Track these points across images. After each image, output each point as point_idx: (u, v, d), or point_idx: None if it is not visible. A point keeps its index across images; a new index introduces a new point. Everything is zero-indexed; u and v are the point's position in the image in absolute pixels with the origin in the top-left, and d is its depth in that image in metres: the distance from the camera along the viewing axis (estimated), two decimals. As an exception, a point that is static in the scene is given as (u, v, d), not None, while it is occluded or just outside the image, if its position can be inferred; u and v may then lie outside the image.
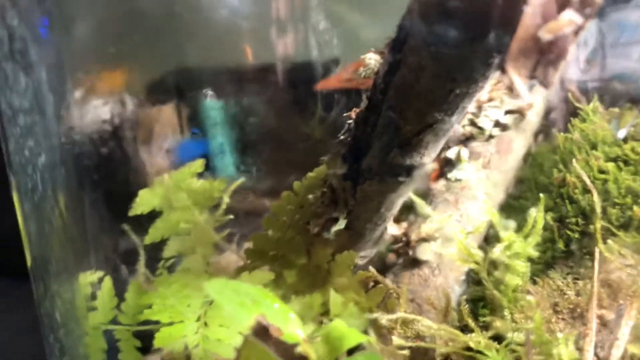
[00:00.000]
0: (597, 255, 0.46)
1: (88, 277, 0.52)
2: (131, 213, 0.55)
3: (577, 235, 0.52)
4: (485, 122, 0.61)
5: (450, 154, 0.60)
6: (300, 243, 0.51)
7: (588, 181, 0.49)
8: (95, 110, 0.47)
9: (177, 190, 0.53)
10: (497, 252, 0.46)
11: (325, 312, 0.51)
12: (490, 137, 0.61)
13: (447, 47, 0.34)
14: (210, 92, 0.53)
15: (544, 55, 0.31)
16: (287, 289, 0.51)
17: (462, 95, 0.38)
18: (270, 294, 0.36)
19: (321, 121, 0.60)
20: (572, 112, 0.63)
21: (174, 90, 0.54)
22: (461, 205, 0.59)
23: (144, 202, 0.55)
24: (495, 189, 0.61)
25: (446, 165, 0.61)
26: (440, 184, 0.61)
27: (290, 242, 0.51)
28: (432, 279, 0.55)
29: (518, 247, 0.46)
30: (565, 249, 0.52)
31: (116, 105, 0.50)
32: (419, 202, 0.52)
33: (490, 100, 0.61)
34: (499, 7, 0.31)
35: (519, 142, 0.63)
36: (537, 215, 0.47)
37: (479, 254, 0.47)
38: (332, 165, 0.47)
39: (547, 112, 0.66)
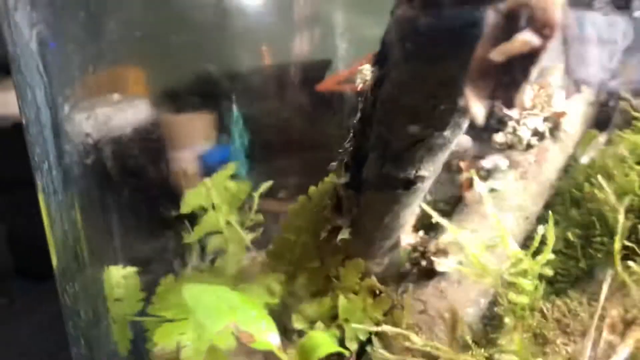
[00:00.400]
0: (608, 277, 0.44)
1: (118, 271, 0.55)
2: (181, 211, 0.59)
3: (600, 255, 0.49)
4: (523, 130, 0.59)
5: (487, 163, 0.59)
6: (311, 247, 0.52)
7: (612, 197, 0.47)
8: (124, 114, 0.50)
9: (214, 191, 0.56)
10: (503, 269, 0.45)
11: (335, 316, 0.52)
12: (529, 146, 0.59)
13: (423, 64, 0.34)
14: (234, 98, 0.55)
15: (504, 76, 0.30)
16: (300, 291, 0.52)
17: (450, 111, 0.38)
18: (251, 300, 0.38)
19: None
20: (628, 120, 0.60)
21: (201, 97, 0.56)
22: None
23: (189, 202, 0.59)
24: (532, 200, 0.59)
25: (482, 175, 0.60)
26: (473, 194, 0.59)
27: (303, 246, 0.52)
28: (449, 291, 0.54)
29: (525, 265, 0.44)
30: (588, 269, 0.50)
31: (145, 110, 0.52)
32: (432, 213, 0.52)
33: (530, 108, 0.59)
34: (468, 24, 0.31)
35: (557, 152, 0.60)
36: (546, 232, 0.45)
37: (493, 269, 0.46)
38: (338, 173, 0.47)
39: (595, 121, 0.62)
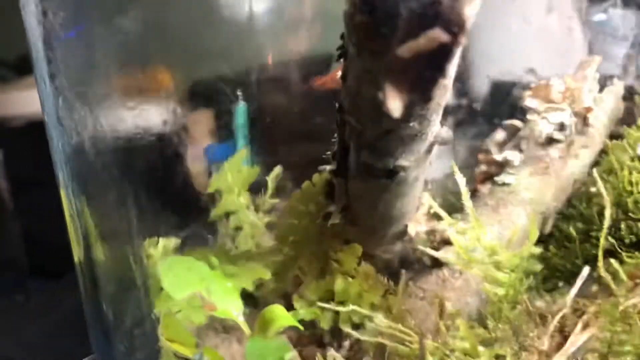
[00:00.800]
0: (583, 273, 0.43)
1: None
2: (209, 190, 0.65)
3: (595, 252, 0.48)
4: (544, 124, 0.58)
5: (499, 156, 0.59)
6: (311, 231, 0.55)
7: (603, 191, 0.46)
8: (146, 113, 0.55)
9: (229, 173, 0.61)
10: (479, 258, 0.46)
11: (332, 299, 0.55)
12: (552, 140, 0.58)
13: (367, 59, 0.36)
14: (240, 95, 0.58)
15: (419, 72, 0.31)
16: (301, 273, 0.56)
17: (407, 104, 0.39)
18: (219, 274, 0.41)
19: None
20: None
21: (209, 94, 0.60)
22: (502, 210, 0.57)
23: (214, 183, 0.64)
24: (551, 195, 0.58)
25: (496, 168, 0.60)
26: (486, 187, 0.60)
27: (304, 230, 0.55)
28: (451, 281, 0.55)
29: (501, 257, 0.45)
30: (583, 265, 0.49)
31: (166, 108, 0.57)
32: (433, 204, 0.53)
33: (557, 101, 0.58)
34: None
35: (584, 147, 0.59)
36: (526, 227, 0.45)
37: (479, 259, 0.47)
38: (331, 160, 0.50)
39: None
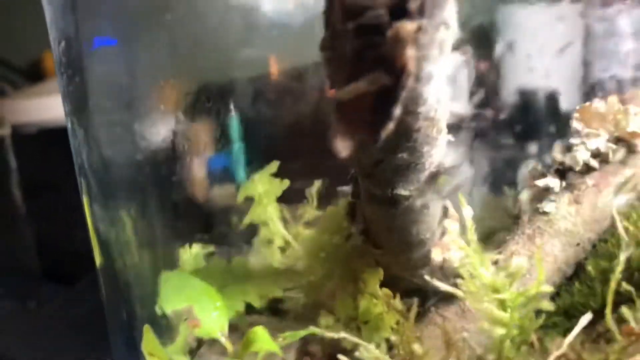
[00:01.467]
0: (582, 321, 0.40)
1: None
2: (239, 197, 0.67)
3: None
4: (581, 151, 0.55)
5: (540, 182, 0.56)
6: (339, 251, 0.55)
7: (620, 227, 0.42)
8: (160, 124, 0.56)
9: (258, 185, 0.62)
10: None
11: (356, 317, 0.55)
12: (589, 168, 0.55)
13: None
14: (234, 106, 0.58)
15: (363, 115, 0.31)
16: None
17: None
18: (212, 291, 0.43)
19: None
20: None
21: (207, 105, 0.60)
22: (537, 240, 0.55)
23: (244, 191, 0.66)
24: (585, 226, 0.55)
25: (539, 194, 0.57)
26: (527, 215, 0.57)
27: (335, 248, 0.56)
28: (471, 312, 0.53)
29: (505, 295, 0.43)
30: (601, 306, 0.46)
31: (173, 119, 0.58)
32: (451, 231, 0.51)
33: (595, 126, 0.55)
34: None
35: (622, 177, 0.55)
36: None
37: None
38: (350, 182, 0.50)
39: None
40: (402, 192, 0.45)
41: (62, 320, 0.91)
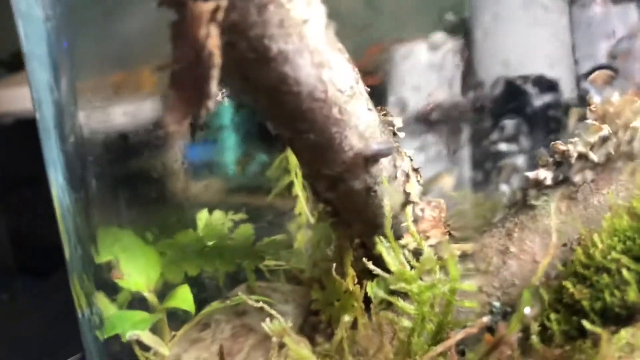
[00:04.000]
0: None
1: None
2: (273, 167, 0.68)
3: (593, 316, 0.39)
4: (576, 143, 0.50)
5: (531, 174, 0.52)
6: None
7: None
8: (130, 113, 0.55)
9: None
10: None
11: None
12: (587, 161, 0.50)
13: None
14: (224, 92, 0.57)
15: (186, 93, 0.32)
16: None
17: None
18: (150, 250, 0.46)
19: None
20: None
21: None
22: (516, 235, 0.51)
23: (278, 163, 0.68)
24: (574, 225, 0.50)
25: (529, 187, 0.53)
26: (517, 206, 0.53)
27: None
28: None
29: (411, 286, 0.41)
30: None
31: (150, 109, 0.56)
32: (408, 219, 0.50)
33: (597, 117, 0.50)
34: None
35: (626, 177, 0.49)
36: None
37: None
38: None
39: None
40: (328, 171, 0.44)
41: (35, 313, 0.90)
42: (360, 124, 0.41)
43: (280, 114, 0.39)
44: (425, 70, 0.58)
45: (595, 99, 0.47)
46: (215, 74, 0.31)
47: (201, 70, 0.31)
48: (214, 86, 0.31)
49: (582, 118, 0.50)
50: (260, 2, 0.31)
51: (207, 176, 0.60)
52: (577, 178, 0.49)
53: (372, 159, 0.44)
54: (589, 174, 0.49)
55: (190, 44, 0.30)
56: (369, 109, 0.42)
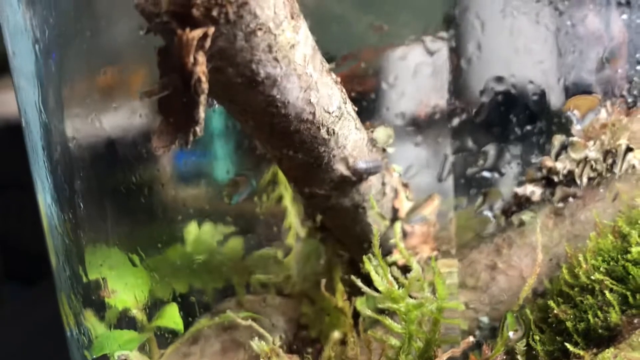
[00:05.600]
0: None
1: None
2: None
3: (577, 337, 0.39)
4: (564, 160, 0.50)
5: (521, 190, 0.52)
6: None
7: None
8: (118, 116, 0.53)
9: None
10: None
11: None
12: (572, 179, 0.50)
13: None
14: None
15: (173, 117, 0.32)
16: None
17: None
18: (140, 273, 0.46)
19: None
20: None
21: None
22: (505, 251, 0.51)
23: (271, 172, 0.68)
24: (561, 241, 0.50)
25: (516, 203, 0.53)
26: (505, 221, 0.54)
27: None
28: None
29: (399, 305, 0.41)
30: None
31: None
32: (396, 234, 0.50)
33: (589, 133, 0.50)
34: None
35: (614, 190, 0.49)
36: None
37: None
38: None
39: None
40: (318, 190, 0.44)
41: (24, 320, 0.89)
42: (348, 143, 0.42)
43: (268, 134, 0.39)
44: (420, 74, 0.58)
45: (577, 127, 0.47)
46: (203, 100, 0.31)
47: (189, 97, 0.31)
48: (202, 112, 0.31)
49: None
50: (248, 29, 0.31)
51: (198, 186, 0.59)
52: (565, 195, 0.50)
53: (359, 177, 0.44)
54: (577, 191, 0.49)
55: (178, 71, 0.30)
56: (357, 129, 0.43)
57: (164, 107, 0.33)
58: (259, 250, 0.64)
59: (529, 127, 0.51)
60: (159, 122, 0.33)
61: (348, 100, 0.41)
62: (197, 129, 0.32)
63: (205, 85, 0.30)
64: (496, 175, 0.52)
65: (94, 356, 0.45)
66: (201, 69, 0.30)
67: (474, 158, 0.52)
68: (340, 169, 0.42)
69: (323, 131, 0.39)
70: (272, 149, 0.41)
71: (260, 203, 0.66)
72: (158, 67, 0.31)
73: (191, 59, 0.30)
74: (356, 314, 0.52)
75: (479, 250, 0.51)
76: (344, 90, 0.41)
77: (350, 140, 0.42)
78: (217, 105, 0.59)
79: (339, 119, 0.40)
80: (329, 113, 0.39)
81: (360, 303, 0.51)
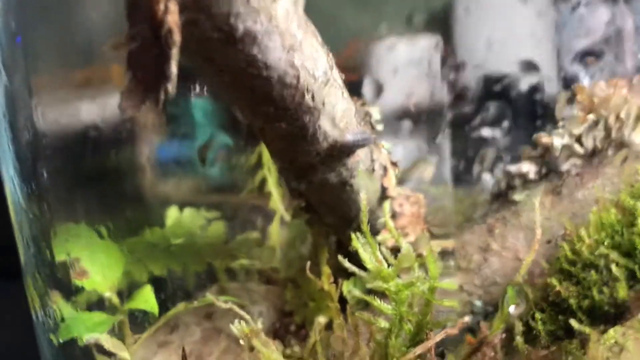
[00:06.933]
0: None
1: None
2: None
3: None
4: (563, 134, 0.48)
5: (513, 168, 0.50)
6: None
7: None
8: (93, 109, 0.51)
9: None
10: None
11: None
12: (572, 154, 0.48)
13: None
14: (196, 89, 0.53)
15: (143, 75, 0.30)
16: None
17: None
18: (113, 249, 0.43)
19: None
20: None
21: None
22: (498, 232, 0.49)
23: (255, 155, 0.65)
24: (559, 221, 0.48)
25: (509, 182, 0.51)
26: (498, 201, 0.51)
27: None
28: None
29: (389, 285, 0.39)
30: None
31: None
32: (386, 216, 0.47)
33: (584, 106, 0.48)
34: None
35: (611, 170, 0.47)
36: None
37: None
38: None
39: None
40: (301, 163, 0.42)
41: (11, 316, 0.80)
42: (335, 112, 0.39)
43: (249, 101, 0.36)
44: (406, 65, 0.56)
45: (585, 81, 0.45)
46: (175, 53, 0.28)
47: (159, 50, 0.28)
48: (174, 67, 0.29)
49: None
50: (224, -24, 0.28)
51: (177, 175, 0.57)
52: (563, 172, 0.47)
53: (348, 150, 0.41)
54: (575, 168, 0.47)
55: (147, 20, 0.27)
56: (345, 98, 0.40)
57: (132, 62, 0.30)
58: (242, 234, 0.61)
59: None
60: (127, 79, 0.30)
61: (335, 67, 0.38)
62: (169, 86, 0.29)
63: (177, 37, 0.27)
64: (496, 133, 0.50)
65: (61, 340, 0.42)
66: (173, 19, 0.27)
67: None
68: (327, 140, 0.40)
69: (308, 98, 0.36)
70: (253, 118, 0.38)
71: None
72: (127, 19, 0.28)
73: (162, 7, 0.27)
74: (343, 300, 0.50)
75: (472, 231, 0.49)
76: (330, 55, 0.38)
77: (337, 110, 0.39)
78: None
79: (325, 85, 0.37)
80: (315, 78, 0.36)
81: (347, 286, 0.49)
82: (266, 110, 0.37)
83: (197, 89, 0.50)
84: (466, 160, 0.56)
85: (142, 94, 0.30)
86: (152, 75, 0.30)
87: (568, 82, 0.50)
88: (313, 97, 0.37)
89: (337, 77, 0.39)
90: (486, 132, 0.53)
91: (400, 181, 0.49)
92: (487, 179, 0.53)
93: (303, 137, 0.39)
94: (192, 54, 0.33)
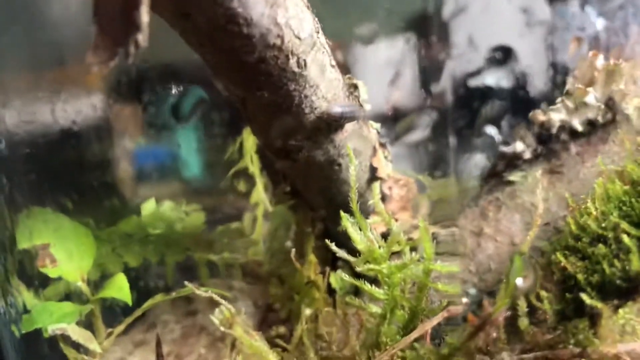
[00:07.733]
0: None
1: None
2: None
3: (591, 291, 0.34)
4: (559, 109, 0.45)
5: (508, 148, 0.48)
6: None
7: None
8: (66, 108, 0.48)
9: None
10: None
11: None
12: (575, 134, 0.45)
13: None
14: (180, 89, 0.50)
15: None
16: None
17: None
18: (86, 235, 0.40)
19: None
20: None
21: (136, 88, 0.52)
22: (492, 215, 0.47)
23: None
24: (559, 202, 0.45)
25: (505, 162, 0.49)
26: (492, 183, 0.49)
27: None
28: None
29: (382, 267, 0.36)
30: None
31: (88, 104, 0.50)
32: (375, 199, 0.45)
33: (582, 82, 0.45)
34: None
35: (612, 146, 0.44)
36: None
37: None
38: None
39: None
40: (288, 141, 0.39)
41: None
42: (321, 82, 0.36)
43: (229, 65, 0.33)
44: (385, 66, 0.54)
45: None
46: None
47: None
48: (144, 15, 0.26)
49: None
50: None
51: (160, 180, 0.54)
52: (562, 151, 0.45)
53: (336, 123, 0.39)
54: (574, 146, 0.45)
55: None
56: (332, 66, 0.37)
57: (100, 14, 0.27)
58: (223, 225, 0.58)
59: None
60: (94, 33, 0.27)
61: (321, 32, 0.36)
62: (139, 37, 0.26)
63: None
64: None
65: (24, 331, 0.38)
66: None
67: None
68: (314, 112, 0.37)
69: (293, 62, 0.34)
70: (234, 86, 0.36)
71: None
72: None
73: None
74: (330, 291, 0.47)
75: (464, 215, 0.46)
76: (316, 19, 0.35)
77: (324, 79, 0.36)
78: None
79: (311, 49, 0.34)
80: (300, 39, 0.33)
81: (334, 277, 0.46)
82: (248, 76, 0.34)
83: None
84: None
85: (110, 46, 0.27)
86: (121, 26, 0.27)
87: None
88: (298, 62, 0.34)
89: (324, 42, 0.36)
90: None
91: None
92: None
93: (287, 108, 0.36)
94: (167, 9, 0.30)
